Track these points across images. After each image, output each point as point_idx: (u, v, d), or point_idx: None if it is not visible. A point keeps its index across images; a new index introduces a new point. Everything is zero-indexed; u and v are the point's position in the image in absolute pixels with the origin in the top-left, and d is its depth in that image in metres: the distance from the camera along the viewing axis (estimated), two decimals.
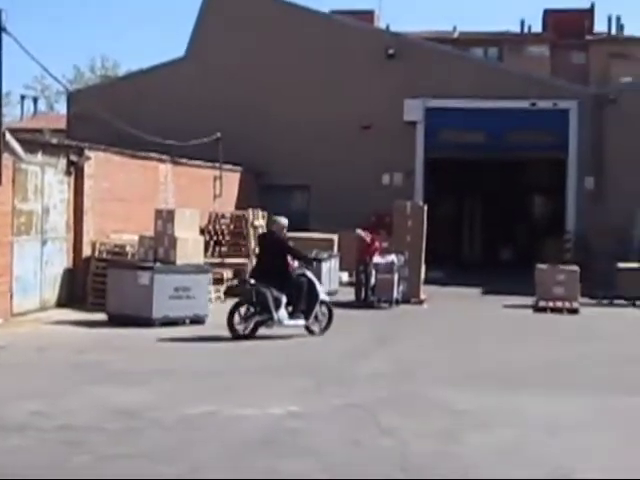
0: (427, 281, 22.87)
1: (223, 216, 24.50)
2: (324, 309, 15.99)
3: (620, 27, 71.35)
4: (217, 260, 22.72)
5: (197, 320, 16.86)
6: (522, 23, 71.65)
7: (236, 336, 14.94)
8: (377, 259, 20.90)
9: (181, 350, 14.28)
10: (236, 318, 15.09)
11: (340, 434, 9.00)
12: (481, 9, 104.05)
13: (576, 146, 29.87)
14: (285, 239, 15.95)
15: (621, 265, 23.56)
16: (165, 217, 17.65)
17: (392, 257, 20.95)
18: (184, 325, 16.60)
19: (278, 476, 7.57)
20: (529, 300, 21.48)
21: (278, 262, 15.29)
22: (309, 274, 15.69)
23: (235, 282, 16.99)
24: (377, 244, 21.47)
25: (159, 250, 17.31)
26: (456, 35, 67.01)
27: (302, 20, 30.86)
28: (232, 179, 28.66)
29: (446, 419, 9.74)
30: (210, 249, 23.40)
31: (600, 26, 68.69)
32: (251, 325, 15.06)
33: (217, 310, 17.54)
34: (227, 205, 27.20)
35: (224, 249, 23.87)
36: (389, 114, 29.69)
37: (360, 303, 20.74)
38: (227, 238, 24.02)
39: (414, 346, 15.21)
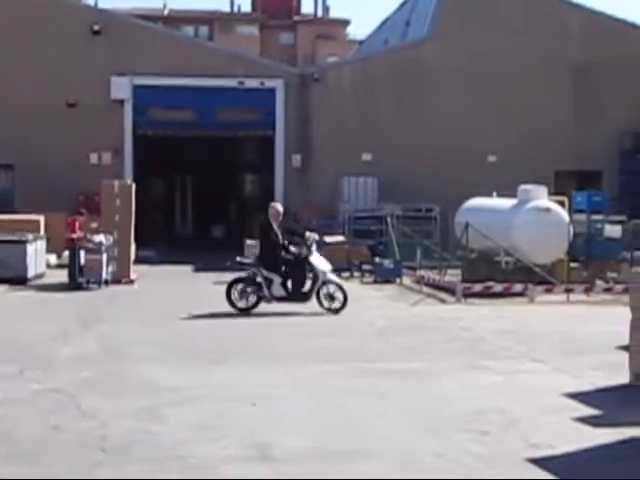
0: (138, 260, 22.68)
1: None
2: (332, 288, 16.60)
3: (326, 9, 73.68)
4: None
5: None
6: (232, 2, 72.32)
7: (238, 310, 16.34)
8: (85, 240, 20.46)
9: None
10: (234, 294, 16.52)
11: (39, 419, 8.74)
12: None
13: (283, 124, 30.53)
14: (272, 224, 16.78)
15: (327, 239, 24.35)
16: None
17: (100, 237, 20.55)
18: None
19: None
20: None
21: (266, 245, 16.80)
22: (312, 258, 16.54)
23: (228, 263, 17.47)
24: (80, 219, 21.06)
25: None
26: (166, 13, 66.69)
27: None
28: None
29: (149, 397, 9.68)
30: None
31: (307, 8, 70.59)
32: (253, 300, 16.50)
33: None
34: None
35: None
36: (96, 92, 29.01)
37: (70, 285, 20.22)
38: None
39: (121, 326, 14.99)
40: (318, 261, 16.71)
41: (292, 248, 16.74)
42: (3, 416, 8.83)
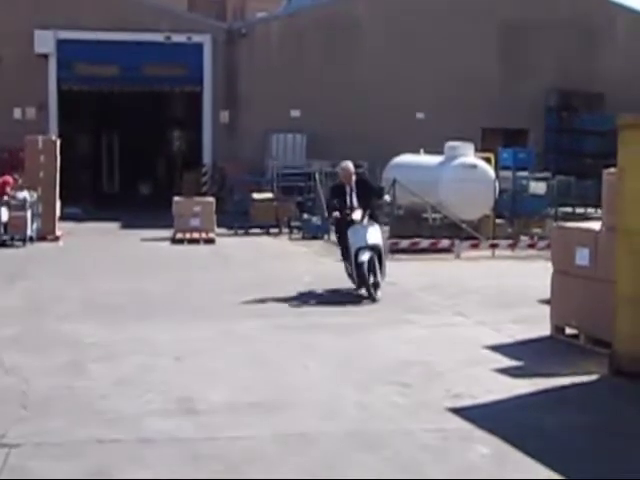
0: (64, 217, 22.39)
1: None
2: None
3: None
4: None
5: None
6: None
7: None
8: (8, 196, 20.14)
9: None
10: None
11: None
12: None
13: (210, 80, 30.33)
14: (346, 188, 13.97)
15: (255, 195, 24.33)
16: None
17: (24, 194, 20.24)
18: None
19: None
20: (168, 233, 21.63)
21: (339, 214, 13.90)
22: (355, 227, 13.52)
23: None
24: (10, 181, 20.74)
25: None
26: None
27: None
28: None
29: (72, 353, 9.61)
30: None
31: None
32: None
33: None
34: None
35: None
36: (19, 45, 28.41)
37: None
38: None
39: (45, 283, 14.84)
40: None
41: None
42: None
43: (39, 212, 20.51)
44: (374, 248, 13.46)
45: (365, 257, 13.26)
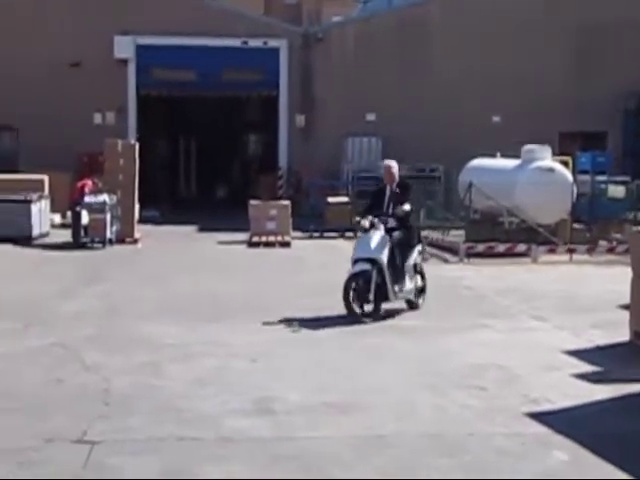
0: (142, 220, 22.71)
1: None
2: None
3: None
4: None
5: None
6: None
7: None
8: (88, 199, 20.51)
9: None
10: None
11: (43, 374, 8.85)
12: None
13: (286, 84, 30.46)
14: (376, 189, 13.38)
15: (331, 199, 24.40)
16: None
17: (104, 197, 20.60)
18: None
19: None
20: (244, 236, 21.80)
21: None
22: (361, 236, 12.54)
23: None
24: (89, 183, 21.13)
25: None
26: None
27: None
28: None
29: (150, 353, 9.78)
30: None
31: None
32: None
33: None
34: None
35: None
36: (99, 51, 28.90)
37: (74, 244, 20.30)
38: None
39: (124, 284, 15.07)
40: None
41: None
42: (7, 370, 8.94)
43: (118, 215, 20.85)
44: (373, 262, 11.89)
45: (355, 269, 11.94)
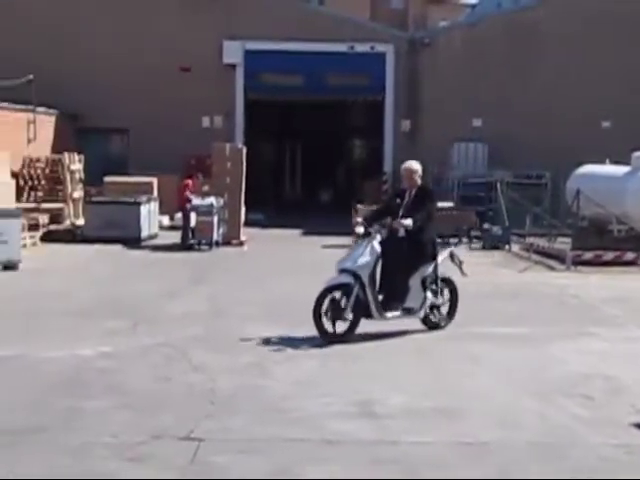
0: (248, 223, 23.01)
1: (38, 160, 23.94)
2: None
3: None
4: (32, 205, 22.21)
5: (10, 266, 16.43)
6: None
7: None
8: (196, 202, 20.88)
9: None
10: None
11: (150, 372, 9.05)
12: None
13: (392, 89, 30.48)
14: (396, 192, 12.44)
15: (437, 204, 24.29)
16: None
17: (211, 199, 20.95)
18: None
19: (79, 415, 7.57)
20: (348, 240, 21.85)
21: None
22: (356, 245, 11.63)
23: None
24: (190, 184, 21.53)
25: None
26: None
27: None
28: (47, 122, 27.83)
29: (255, 354, 9.90)
30: (25, 194, 22.86)
31: None
32: None
33: (33, 256, 17.19)
34: (42, 149, 26.40)
35: (40, 194, 23.36)
36: (209, 56, 29.42)
37: (182, 246, 20.69)
38: (43, 183, 23.50)
39: (229, 286, 15.30)
40: None
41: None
42: (118, 368, 9.16)
43: (225, 218, 21.17)
44: (356, 276, 10.73)
45: (332, 281, 10.90)
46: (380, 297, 11.00)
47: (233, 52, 29.71)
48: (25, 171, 23.32)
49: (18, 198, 21.62)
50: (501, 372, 9.42)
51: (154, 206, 22.87)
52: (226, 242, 21.08)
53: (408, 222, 10.94)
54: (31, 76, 26.76)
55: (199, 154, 26.36)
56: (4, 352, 9.71)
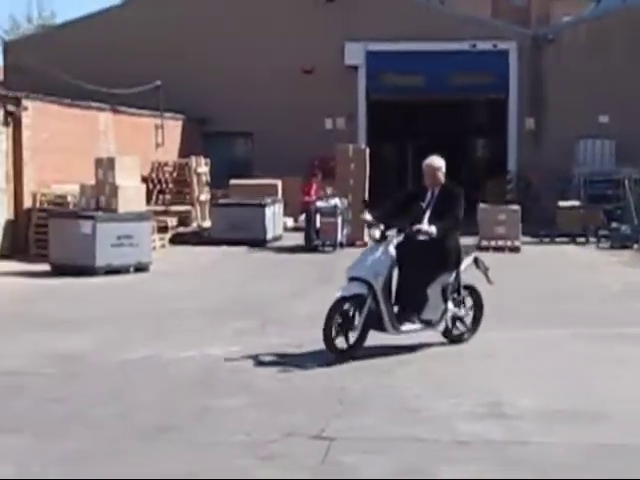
0: None
1: (166, 164, 24.51)
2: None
3: None
4: (161, 208, 22.75)
5: (141, 268, 16.90)
6: None
7: None
8: (320, 203, 21.07)
9: (122, 297, 14.34)
10: None
11: (279, 371, 9.16)
12: None
13: (516, 87, 30.12)
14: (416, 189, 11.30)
15: (561, 203, 23.97)
16: (105, 165, 17.56)
17: (335, 200, 21.09)
18: (128, 273, 16.64)
19: (211, 413, 7.75)
20: (471, 240, 21.70)
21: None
22: (368, 248, 10.76)
23: None
24: (314, 186, 21.73)
25: (100, 199, 17.26)
26: None
27: None
28: (174, 127, 28.51)
29: (381, 353, 9.92)
30: (154, 197, 23.45)
31: None
32: None
33: (162, 258, 17.61)
34: (170, 154, 27.08)
35: (168, 197, 23.93)
36: (330, 58, 29.61)
37: (306, 247, 20.89)
38: (170, 186, 24.05)
39: None
40: None
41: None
42: (246, 368, 9.31)
43: (349, 218, 21.27)
44: (369, 285, 9.67)
45: (344, 292, 9.79)
46: (396, 308, 9.95)
47: (355, 53, 29.84)
48: (154, 175, 23.92)
49: (147, 201, 22.13)
50: (638, 374, 9.21)
51: (279, 208, 23.15)
52: (350, 243, 21.17)
53: (432, 229, 9.81)
54: (159, 82, 27.44)
55: (322, 156, 26.57)
56: (137, 353, 9.99)
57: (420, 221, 10.00)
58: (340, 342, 9.57)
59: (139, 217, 17.32)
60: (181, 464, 6.49)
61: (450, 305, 10.28)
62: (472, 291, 10.66)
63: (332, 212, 20.71)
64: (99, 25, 30.74)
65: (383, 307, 9.64)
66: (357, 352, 9.61)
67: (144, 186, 19.04)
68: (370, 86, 30.33)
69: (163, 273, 16.72)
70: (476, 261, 10.83)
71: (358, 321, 9.58)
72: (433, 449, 6.88)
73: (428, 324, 10.09)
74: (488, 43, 29.96)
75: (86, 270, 16.24)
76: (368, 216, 10.30)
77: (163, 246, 20.47)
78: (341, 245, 20.80)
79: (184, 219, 22.92)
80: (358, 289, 9.66)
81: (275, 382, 8.79)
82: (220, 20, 30.06)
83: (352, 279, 9.85)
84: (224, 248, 20.62)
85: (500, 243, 21.20)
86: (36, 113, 19.62)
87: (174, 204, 23.46)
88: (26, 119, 19.26)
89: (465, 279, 10.55)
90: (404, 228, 10.05)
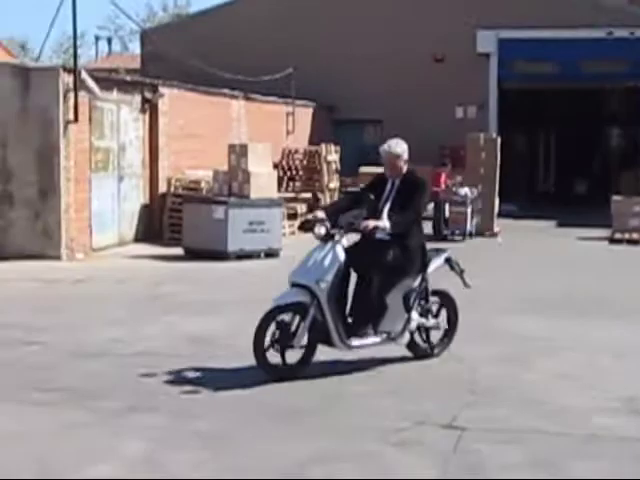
0: (500, 214, 22.83)
1: (296, 151, 24.73)
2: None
3: None
4: (291, 195, 22.99)
5: (271, 253, 17.16)
6: None
7: None
8: (450, 192, 20.98)
9: (254, 281, 14.56)
10: None
11: (409, 359, 9.17)
12: None
13: None
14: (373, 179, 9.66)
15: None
16: (238, 152, 17.87)
17: (465, 190, 20.96)
18: (259, 258, 16.91)
19: (345, 398, 7.84)
20: (604, 232, 21.33)
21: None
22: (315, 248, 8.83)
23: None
24: (444, 176, 21.65)
25: (233, 185, 17.57)
26: None
27: None
28: (305, 115, 28.76)
29: (513, 346, 9.88)
30: (284, 184, 23.70)
31: None
32: None
33: (291, 244, 17.79)
34: (300, 141, 27.34)
35: (298, 184, 24.15)
36: (462, 46, 29.39)
37: (435, 236, 20.78)
38: (300, 173, 24.27)
39: (483, 277, 15.19)
40: None
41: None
42: (375, 355, 9.31)
43: (479, 208, 21.11)
44: (312, 292, 8.30)
45: (280, 300, 8.41)
46: (350, 319, 8.62)
47: (487, 41, 29.58)
48: (284, 162, 24.18)
49: (278, 188, 22.43)
50: None
51: None
52: (479, 233, 21.03)
53: (383, 223, 8.57)
54: (291, 69, 27.72)
55: (453, 144, 26.44)
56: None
57: (378, 216, 8.71)
58: (273, 356, 8.24)
59: (270, 203, 17.57)
60: (314, 446, 6.59)
61: (414, 314, 8.91)
62: (444, 297, 9.38)
63: (462, 201, 20.60)
64: (230, 15, 31.23)
65: (329, 318, 8.26)
66: (303, 370, 8.34)
67: (275, 173, 19.29)
68: (501, 74, 30.00)
69: (292, 259, 16.85)
70: (449, 262, 9.53)
71: (300, 335, 8.28)
72: (562, 442, 6.79)
73: (387, 337, 8.71)
74: (625, 30, 29.23)
75: (218, 254, 16.57)
76: (320, 213, 8.81)
77: (293, 233, 20.66)
78: (470, 235, 20.67)
79: (313, 206, 23.09)
80: (297, 297, 8.35)
81: (405, 370, 8.82)
82: (350, 7, 30.14)
83: (293, 285, 8.54)
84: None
85: (634, 236, 20.72)
86: (172, 100, 20.08)
87: (303, 191, 23.67)
88: (162, 106, 19.74)
89: (441, 284, 9.44)
90: (352, 224, 8.70)
